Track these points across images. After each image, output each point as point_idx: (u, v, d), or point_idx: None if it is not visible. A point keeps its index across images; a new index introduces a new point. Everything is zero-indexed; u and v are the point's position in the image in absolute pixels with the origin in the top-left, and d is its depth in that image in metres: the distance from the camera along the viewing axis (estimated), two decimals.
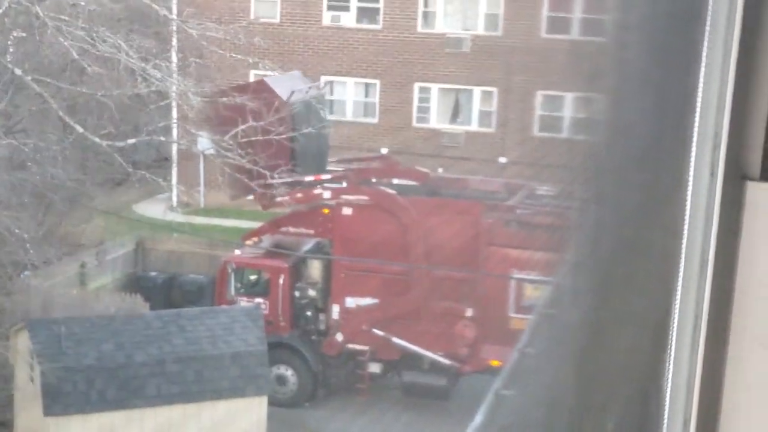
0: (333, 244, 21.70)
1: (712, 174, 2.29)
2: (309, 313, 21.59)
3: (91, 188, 22.24)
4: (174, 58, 22.61)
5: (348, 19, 33.45)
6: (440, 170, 27.41)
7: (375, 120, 34.05)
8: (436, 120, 33.49)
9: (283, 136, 21.00)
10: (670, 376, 2.41)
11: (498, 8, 31.50)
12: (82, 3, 17.71)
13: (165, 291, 23.78)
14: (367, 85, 34.09)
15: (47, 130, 19.47)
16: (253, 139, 20.34)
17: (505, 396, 11.38)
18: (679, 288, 2.36)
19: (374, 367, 21.30)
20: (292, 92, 22.28)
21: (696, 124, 2.31)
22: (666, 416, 2.42)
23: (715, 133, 2.28)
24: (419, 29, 33.09)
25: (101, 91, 18.56)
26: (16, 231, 16.04)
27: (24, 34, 18.53)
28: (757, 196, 2.32)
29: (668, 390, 2.40)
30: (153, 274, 24.58)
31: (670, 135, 2.58)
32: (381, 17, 33.19)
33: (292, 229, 22.58)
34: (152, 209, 32.88)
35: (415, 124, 33.80)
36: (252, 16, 31.86)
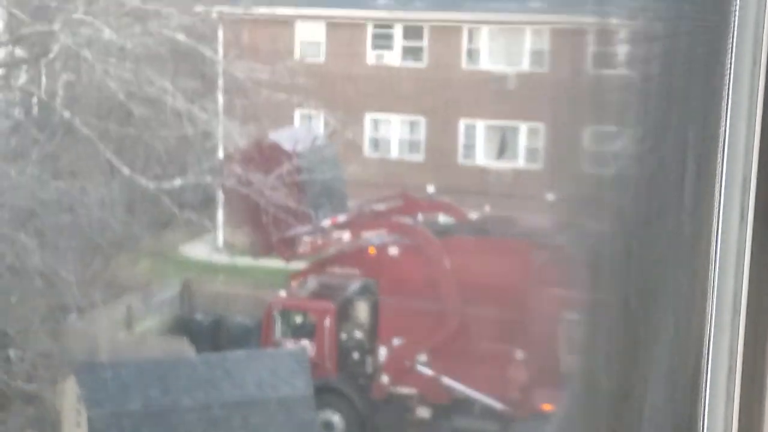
0: (379, 284, 21.49)
1: (742, 218, 2.14)
2: (356, 356, 21.36)
3: (137, 230, 22.23)
4: (220, 99, 22.66)
5: (392, 58, 33.46)
6: (487, 208, 27.18)
7: (420, 158, 33.91)
8: (483, 157, 33.30)
9: (294, 186, 21.15)
10: (705, 430, 2.22)
11: (543, 44, 31.36)
12: (129, 46, 17.77)
13: (211, 334, 23.63)
14: (412, 123, 33.98)
15: (95, 172, 19.49)
16: (267, 194, 20.49)
17: None
18: (711, 337, 2.18)
19: (423, 412, 21.00)
20: (297, 142, 22.33)
21: (723, 167, 2.16)
22: None
23: (744, 176, 2.13)
24: (464, 66, 33.02)
25: (148, 132, 18.59)
26: (63, 274, 16.00)
27: (73, 77, 18.62)
28: None
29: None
30: (199, 316, 24.46)
31: (696, 178, 2.45)
32: (425, 55, 33.16)
33: (338, 270, 22.44)
34: (198, 250, 32.87)
35: (461, 161, 33.62)
36: (297, 56, 31.93)
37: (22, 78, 18.47)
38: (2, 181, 15.73)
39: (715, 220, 2.23)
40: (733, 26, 2.15)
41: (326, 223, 21.89)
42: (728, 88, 2.17)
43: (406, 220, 22.43)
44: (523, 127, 32.33)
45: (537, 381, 19.77)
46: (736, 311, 2.21)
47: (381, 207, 23.43)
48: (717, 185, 2.22)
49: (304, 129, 25.29)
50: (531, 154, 32.12)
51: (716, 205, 2.24)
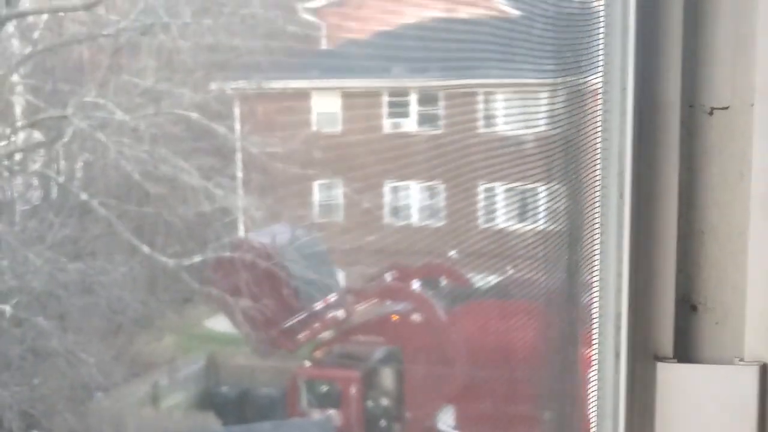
0: (404, 351, 21.49)
1: (617, 355, 2.21)
2: (383, 423, 21.30)
3: (159, 307, 22.41)
4: (236, 174, 22.94)
5: (409, 125, 33.77)
6: (510, 271, 27.21)
7: (441, 223, 34.02)
8: (503, 220, 33.36)
9: (278, 279, 21.53)
10: None
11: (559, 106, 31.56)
12: (143, 127, 18.10)
13: (237, 406, 23.61)
14: (431, 188, 34.16)
15: (114, 252, 19.73)
16: (255, 291, 20.88)
17: None
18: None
19: None
20: (275, 236, 22.69)
21: (597, 303, 2.25)
22: None
23: (616, 313, 2.20)
24: (480, 130, 33.26)
25: (166, 210, 18.82)
26: (83, 356, 16.15)
27: (89, 159, 18.94)
28: (669, 376, 2.21)
29: None
30: (225, 389, 24.46)
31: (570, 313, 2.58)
32: (442, 121, 33.48)
33: (362, 338, 22.50)
34: (222, 324, 32.94)
35: (482, 225, 33.68)
36: (313, 129, 32.30)
37: (39, 162, 18.85)
38: (21, 266, 15.97)
39: None
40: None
41: (319, 305, 22.21)
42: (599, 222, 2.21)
43: (399, 285, 22.66)
44: (543, 189, 32.44)
45: None
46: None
47: (371, 284, 23.65)
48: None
49: (282, 226, 25.62)
50: (552, 215, 32.16)
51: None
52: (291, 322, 21.77)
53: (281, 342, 21.94)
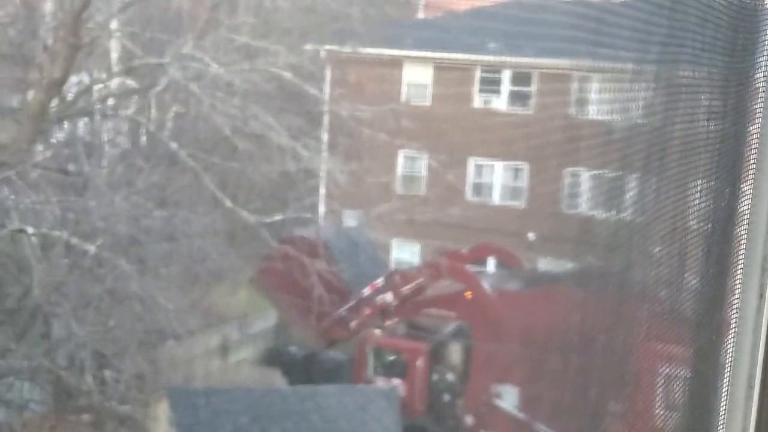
0: (474, 328, 21.48)
1: (761, 296, 2.18)
2: (446, 398, 21.32)
3: (237, 262, 22.63)
4: (324, 137, 23.04)
5: (499, 103, 33.55)
6: (589, 258, 26.93)
7: (522, 204, 33.84)
8: (586, 207, 33.01)
9: (327, 268, 22.14)
10: None
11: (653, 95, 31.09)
12: (237, 82, 18.22)
13: (304, 367, 23.84)
14: (516, 168, 33.97)
15: (198, 203, 19.97)
16: (305, 284, 21.11)
17: None
18: (725, 410, 2.24)
19: None
20: (320, 228, 23.28)
21: (743, 245, 2.21)
22: None
23: (764, 255, 2.17)
24: (571, 114, 32.89)
25: (251, 167, 18.98)
26: (162, 301, 16.39)
27: (182, 110, 19.17)
28: None
29: None
30: (293, 349, 24.71)
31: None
32: (533, 101, 33.19)
33: (433, 312, 22.53)
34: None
35: (564, 210, 33.40)
36: (403, 99, 32.27)
37: (132, 108, 19.09)
38: (106, 208, 16.24)
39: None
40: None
41: (366, 291, 22.33)
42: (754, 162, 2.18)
43: (452, 264, 22.66)
44: (631, 178, 32.03)
45: None
46: (750, 387, 2.21)
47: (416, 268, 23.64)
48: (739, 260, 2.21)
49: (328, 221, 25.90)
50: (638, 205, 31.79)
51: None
52: (341, 312, 22.11)
53: (334, 332, 22.19)
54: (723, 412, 2.29)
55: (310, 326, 21.06)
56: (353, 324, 22.26)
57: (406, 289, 22.12)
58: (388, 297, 22.16)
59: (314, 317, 21.76)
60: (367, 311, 22.22)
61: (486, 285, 22.23)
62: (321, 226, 23.67)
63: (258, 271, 22.16)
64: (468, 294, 21.62)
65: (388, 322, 22.73)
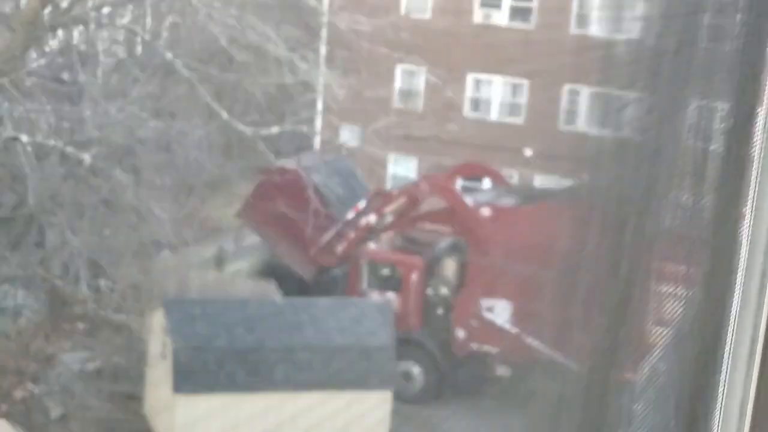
0: (469, 243, 21.54)
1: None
2: (440, 311, 21.49)
3: (232, 174, 22.56)
4: (322, 49, 22.82)
5: (500, 18, 33.22)
6: (585, 176, 26.92)
7: (520, 120, 33.71)
8: (585, 124, 32.94)
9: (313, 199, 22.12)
10: (723, 397, 2.27)
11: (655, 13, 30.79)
12: None
13: (299, 279, 23.96)
14: (514, 85, 33.77)
15: (193, 114, 19.87)
16: (290, 214, 20.99)
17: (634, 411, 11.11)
18: (737, 307, 2.23)
19: (503, 370, 21.07)
20: (299, 157, 23.41)
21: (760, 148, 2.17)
22: None
23: None
24: (572, 31, 32.59)
25: (248, 79, 18.84)
26: (157, 211, 16.40)
27: (178, 20, 18.94)
28: None
29: (721, 412, 2.27)
30: None
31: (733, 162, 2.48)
32: (534, 17, 32.85)
33: (428, 226, 22.57)
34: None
35: (562, 126, 33.32)
36: (402, 12, 31.92)
37: (127, 17, 18.86)
38: (101, 118, 16.15)
39: (749, 203, 2.21)
40: None
41: (351, 214, 22.32)
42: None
43: (433, 181, 22.68)
44: (628, 96, 31.86)
45: (622, 349, 19.63)
46: (763, 285, 2.21)
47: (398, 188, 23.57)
48: (752, 174, 2.20)
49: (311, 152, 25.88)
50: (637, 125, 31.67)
51: (751, 185, 2.22)
52: (327, 238, 22.11)
53: (322, 259, 22.18)
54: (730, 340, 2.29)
55: (298, 255, 21.10)
56: (339, 249, 22.31)
57: (389, 209, 22.16)
58: (372, 218, 22.22)
59: (301, 246, 21.82)
60: (351, 235, 22.27)
61: (469, 201, 22.22)
62: (301, 156, 23.72)
63: (243, 206, 22.21)
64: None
65: (384, 236, 22.81)
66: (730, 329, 2.27)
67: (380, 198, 22.55)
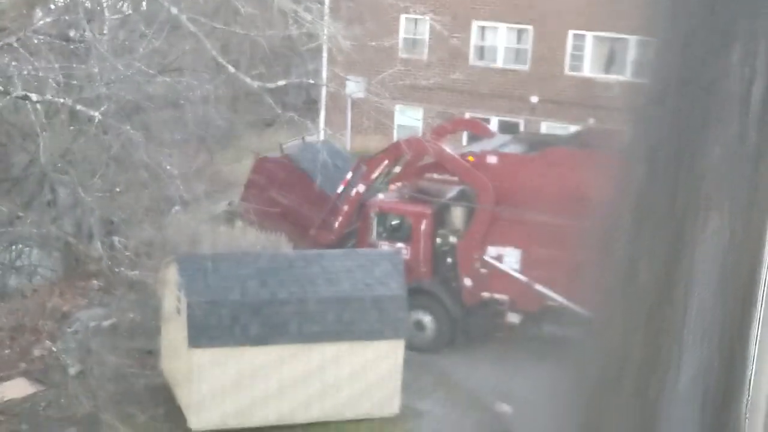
0: (477, 192, 21.61)
1: None
2: (449, 260, 21.60)
3: (241, 128, 22.64)
4: (326, 0, 22.75)
5: None
6: (591, 121, 26.98)
7: (526, 67, 33.63)
8: (590, 69, 32.89)
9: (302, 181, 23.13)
10: (758, 339, 2.37)
11: None
12: None
13: None
14: (519, 31, 33.65)
15: (200, 69, 19.86)
16: (285, 202, 21.97)
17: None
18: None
19: (513, 318, 21.23)
20: (281, 145, 24.04)
21: None
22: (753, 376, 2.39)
23: None
24: None
25: (254, 31, 18.75)
26: (168, 167, 16.45)
27: None
28: None
29: (756, 353, 2.37)
30: None
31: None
32: None
33: (436, 176, 22.64)
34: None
35: (567, 72, 33.26)
36: None
37: None
38: (109, 75, 16.16)
39: None
40: None
41: (340, 189, 22.56)
42: None
43: (413, 140, 22.91)
44: (632, 40, 31.77)
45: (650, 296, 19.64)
46: None
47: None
48: None
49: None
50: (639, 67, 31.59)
51: None
52: (322, 217, 22.41)
53: (321, 238, 22.40)
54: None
55: (299, 238, 21.32)
56: (336, 224, 22.55)
57: (374, 174, 22.42)
58: (361, 188, 22.42)
59: (300, 228, 22.12)
60: (345, 207, 22.50)
61: (476, 149, 22.28)
62: (284, 145, 24.19)
63: (241, 204, 22.57)
64: (471, 158, 21.67)
65: (392, 187, 22.89)
66: (764, 269, 2.36)
67: (364, 166, 22.76)
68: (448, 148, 22.44)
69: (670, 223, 4.22)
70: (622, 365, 5.00)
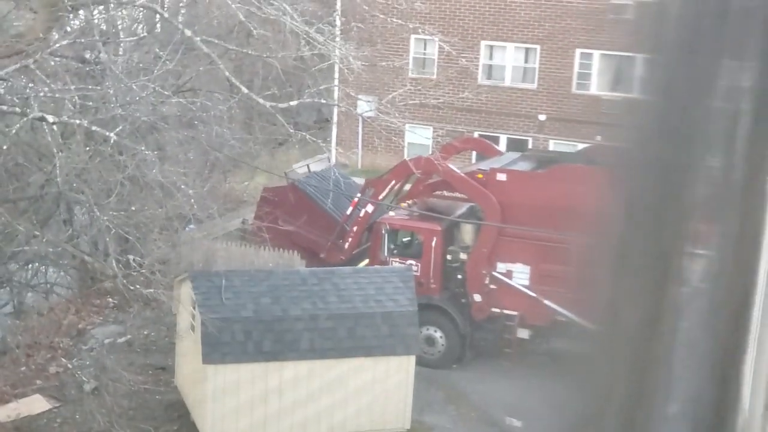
0: (483, 209, 21.85)
1: None
2: (459, 277, 21.82)
3: (254, 147, 22.87)
4: (337, 22, 23.06)
5: None
6: (598, 138, 27.20)
7: (534, 86, 33.90)
8: (597, 87, 33.15)
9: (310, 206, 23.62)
10: (753, 359, 2.54)
11: None
12: None
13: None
14: (527, 50, 33.95)
15: (214, 90, 20.14)
16: (291, 229, 22.60)
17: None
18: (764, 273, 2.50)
19: (522, 333, 21.41)
20: (286, 173, 24.80)
21: None
22: (748, 398, 2.58)
23: None
24: None
25: (266, 53, 19.02)
26: (182, 186, 16.67)
27: None
28: None
29: (751, 373, 2.54)
30: None
31: None
32: None
33: (446, 193, 22.91)
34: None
35: (574, 90, 33.53)
36: None
37: None
38: (124, 95, 16.41)
39: None
40: None
41: (348, 210, 22.87)
42: None
43: (420, 160, 23.21)
44: (639, 58, 31.99)
45: (649, 309, 19.81)
46: None
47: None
48: None
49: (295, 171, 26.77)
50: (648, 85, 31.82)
51: None
52: (332, 239, 22.74)
53: (332, 258, 22.71)
54: None
55: (309, 261, 21.64)
56: (345, 245, 22.88)
57: (382, 195, 22.73)
58: (369, 208, 22.71)
59: (310, 252, 22.44)
60: (354, 229, 22.80)
61: (485, 166, 22.51)
62: (289, 174, 24.90)
63: (252, 235, 23.02)
64: (480, 175, 21.91)
65: (403, 204, 23.14)
66: (759, 289, 2.54)
67: (371, 187, 23.06)
68: (454, 167, 22.70)
69: (655, 255, 4.41)
70: (608, 398, 5.18)
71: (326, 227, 23.24)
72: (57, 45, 17.18)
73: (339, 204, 23.74)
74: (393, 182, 23.02)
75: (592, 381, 6.66)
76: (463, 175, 22.12)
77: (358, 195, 23.35)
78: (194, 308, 17.66)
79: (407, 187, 23.75)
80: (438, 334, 21.67)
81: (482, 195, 21.57)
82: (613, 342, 5.48)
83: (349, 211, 23.20)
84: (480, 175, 21.86)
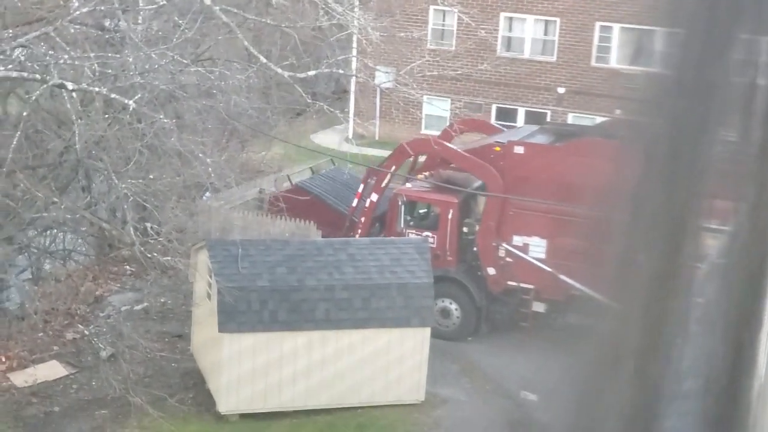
0: (485, 182, 21.79)
1: None
2: (476, 249, 21.81)
3: (272, 117, 22.84)
4: None
5: None
6: (617, 111, 27.08)
7: (553, 58, 33.75)
8: (616, 60, 32.99)
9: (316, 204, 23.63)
10: None
11: None
12: None
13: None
14: (546, 22, 33.78)
15: (232, 59, 20.11)
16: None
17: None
18: None
19: (538, 307, 21.41)
20: (288, 176, 25.11)
21: None
22: (764, 364, 2.59)
23: None
24: None
25: (285, 22, 18.99)
26: (200, 155, 16.70)
27: None
28: None
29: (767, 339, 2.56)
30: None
31: None
32: None
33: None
34: (329, 140, 33.65)
35: (594, 63, 33.37)
36: None
37: None
38: (143, 64, 16.42)
39: None
40: None
41: (354, 203, 22.83)
42: None
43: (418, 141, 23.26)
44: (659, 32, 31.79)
45: (666, 282, 19.74)
46: None
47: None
48: None
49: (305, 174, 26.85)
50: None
51: None
52: (341, 234, 22.71)
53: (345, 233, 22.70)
54: None
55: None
56: (356, 236, 22.86)
57: (385, 182, 22.64)
58: (374, 197, 22.64)
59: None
60: (362, 219, 22.76)
61: (503, 138, 22.45)
62: (298, 178, 25.20)
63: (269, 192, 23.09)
64: (497, 148, 21.85)
65: (420, 175, 23.11)
66: None
67: (372, 176, 22.98)
68: (451, 144, 22.71)
69: (669, 215, 4.39)
70: (621, 350, 5.19)
71: (335, 223, 23.20)
72: (77, 12, 17.19)
73: (344, 198, 23.86)
74: (394, 168, 22.98)
75: (606, 343, 6.71)
76: (459, 150, 22.12)
77: (362, 186, 23.29)
78: (210, 276, 17.73)
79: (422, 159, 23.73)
80: (453, 307, 21.70)
81: (481, 168, 21.53)
82: (627, 299, 5.51)
83: (354, 203, 23.19)
84: (498, 148, 21.81)
